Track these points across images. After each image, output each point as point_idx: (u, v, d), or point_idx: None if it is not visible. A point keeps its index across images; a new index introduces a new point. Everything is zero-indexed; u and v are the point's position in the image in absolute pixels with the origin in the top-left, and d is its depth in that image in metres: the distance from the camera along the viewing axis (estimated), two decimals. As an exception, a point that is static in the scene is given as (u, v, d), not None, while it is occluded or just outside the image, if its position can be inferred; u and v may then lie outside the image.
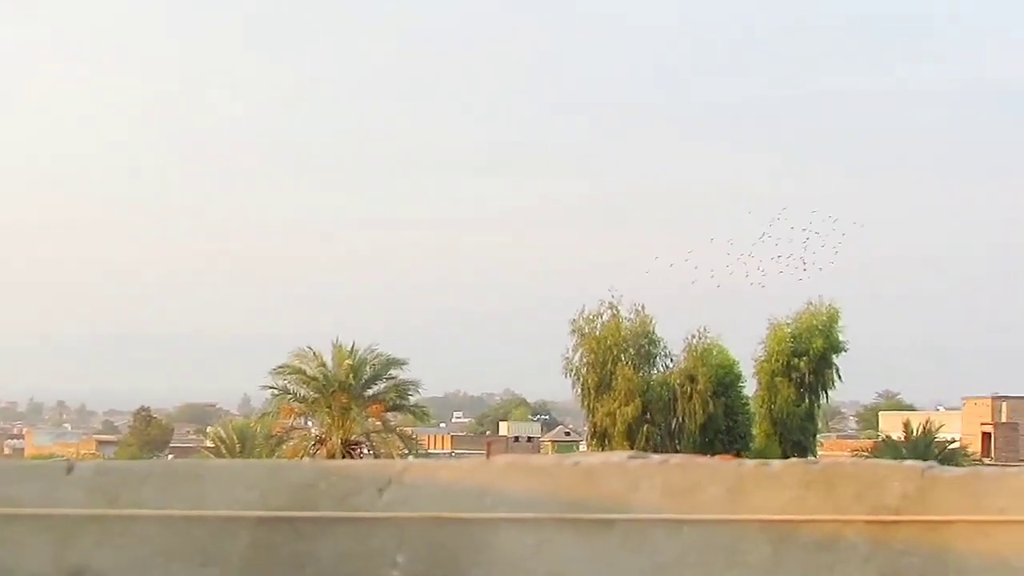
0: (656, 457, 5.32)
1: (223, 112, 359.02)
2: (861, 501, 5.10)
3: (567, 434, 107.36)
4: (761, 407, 63.98)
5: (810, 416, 64.91)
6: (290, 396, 57.14)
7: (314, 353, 56.91)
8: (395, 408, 58.15)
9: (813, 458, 11.22)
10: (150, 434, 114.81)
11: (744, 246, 67.02)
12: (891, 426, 77.66)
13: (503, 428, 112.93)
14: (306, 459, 46.14)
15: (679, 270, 67.38)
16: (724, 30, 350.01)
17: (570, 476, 5.28)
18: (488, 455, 8.08)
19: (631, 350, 62.58)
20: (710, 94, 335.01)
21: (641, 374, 62.59)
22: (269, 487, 5.43)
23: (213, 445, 69.73)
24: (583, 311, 63.03)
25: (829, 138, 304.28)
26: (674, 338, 64.04)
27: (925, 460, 5.39)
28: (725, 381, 63.00)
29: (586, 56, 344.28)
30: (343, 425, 55.20)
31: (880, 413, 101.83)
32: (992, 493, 5.11)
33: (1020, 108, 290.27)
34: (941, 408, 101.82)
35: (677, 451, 59.88)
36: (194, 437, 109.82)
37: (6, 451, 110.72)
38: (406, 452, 55.62)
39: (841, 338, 64.15)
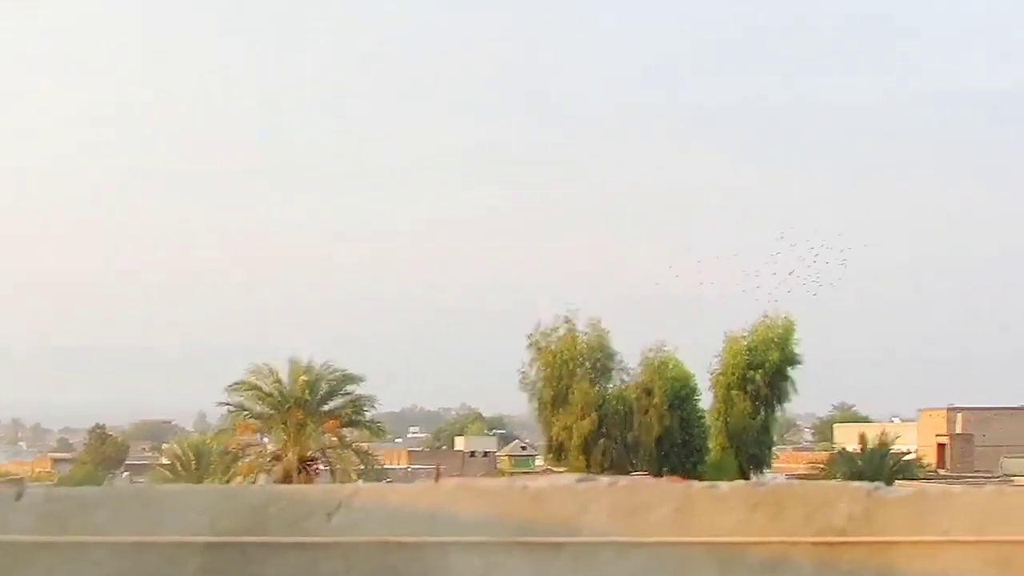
0: (604, 479, 5.35)
1: (216, 113, 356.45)
2: (808, 523, 5.14)
3: (523, 448, 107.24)
4: (717, 420, 64.04)
5: (766, 429, 65.02)
6: (246, 412, 56.79)
7: (270, 369, 56.60)
8: (351, 424, 57.82)
9: (761, 479, 11.30)
10: (105, 452, 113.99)
11: (747, 256, 67.40)
12: (846, 438, 77.78)
13: (459, 443, 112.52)
14: (257, 483, 46.01)
15: (686, 282, 67.49)
16: (724, 30, 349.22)
17: (519, 499, 5.29)
18: (437, 478, 8.10)
19: (587, 364, 62.66)
20: (708, 95, 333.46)
21: (597, 388, 62.66)
22: (220, 511, 5.42)
23: (169, 462, 69.45)
24: (539, 326, 63.17)
25: (819, 142, 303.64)
26: (634, 352, 64.18)
27: (880, 472, 5.45)
28: (681, 394, 63.12)
29: (585, 57, 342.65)
30: (299, 441, 54.88)
31: (835, 425, 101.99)
32: (937, 512, 5.15)
33: (1015, 112, 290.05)
34: (896, 420, 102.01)
35: (633, 464, 60.07)
36: (150, 454, 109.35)
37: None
38: (362, 468, 55.41)
39: (796, 350, 64.34)
